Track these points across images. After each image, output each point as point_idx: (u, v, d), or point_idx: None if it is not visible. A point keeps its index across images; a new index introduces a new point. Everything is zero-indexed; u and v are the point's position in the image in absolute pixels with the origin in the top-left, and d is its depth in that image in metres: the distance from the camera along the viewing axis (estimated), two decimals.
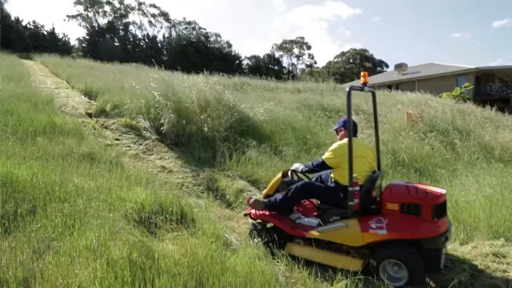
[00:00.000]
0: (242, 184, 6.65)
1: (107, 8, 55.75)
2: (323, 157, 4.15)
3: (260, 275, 3.03)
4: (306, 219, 4.39)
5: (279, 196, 4.35)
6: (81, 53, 45.20)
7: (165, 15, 58.18)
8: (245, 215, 4.76)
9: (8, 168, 4.35)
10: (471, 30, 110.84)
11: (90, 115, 11.05)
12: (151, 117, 9.72)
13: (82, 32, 70.92)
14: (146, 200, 4.17)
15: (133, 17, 56.59)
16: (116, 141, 8.56)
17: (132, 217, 3.82)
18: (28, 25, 45.57)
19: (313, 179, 4.55)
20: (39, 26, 46.76)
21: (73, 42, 52.21)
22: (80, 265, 2.78)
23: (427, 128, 10.83)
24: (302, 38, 66.91)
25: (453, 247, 4.55)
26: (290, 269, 3.64)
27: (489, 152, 9.78)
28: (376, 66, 64.07)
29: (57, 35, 47.33)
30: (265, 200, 4.47)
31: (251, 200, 4.57)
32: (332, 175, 4.20)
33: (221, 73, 21.98)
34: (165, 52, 53.88)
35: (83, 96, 13.73)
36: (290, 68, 65.96)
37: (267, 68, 57.39)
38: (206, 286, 2.75)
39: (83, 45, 50.89)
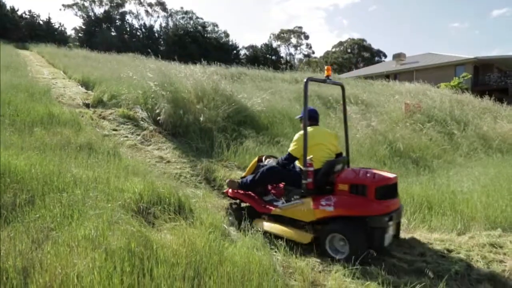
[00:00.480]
0: (239, 175, 6.63)
1: None
2: (289, 149, 4.48)
3: (258, 265, 3.05)
4: (272, 198, 4.86)
5: (249, 177, 4.83)
6: (77, 43, 44.83)
7: (161, 4, 57.65)
8: (223, 193, 5.35)
9: (6, 159, 4.34)
10: (470, 20, 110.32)
11: (87, 106, 11.01)
12: (148, 107, 9.69)
13: (78, 22, 70.45)
14: (144, 191, 4.17)
15: (130, 6, 56.10)
16: (114, 132, 8.55)
17: (130, 208, 3.83)
18: (24, 15, 45.09)
19: (255, 175, 4.82)
20: (35, 15, 46.25)
21: (70, 32, 51.95)
22: (78, 255, 2.79)
23: (425, 119, 10.85)
24: (300, 27, 66.49)
25: (450, 238, 4.59)
26: (288, 259, 3.67)
27: (488, 142, 9.82)
28: (374, 56, 63.81)
29: (53, 24, 46.87)
30: (238, 181, 4.97)
31: (227, 180, 5.18)
32: (297, 162, 4.55)
33: (218, 63, 21.88)
34: (162, 42, 53.44)
35: (80, 87, 13.66)
36: (288, 58, 65.68)
37: (264, 58, 57.11)
38: (204, 276, 2.77)
39: (80, 35, 50.44)
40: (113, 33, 50.21)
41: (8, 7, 43.23)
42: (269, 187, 5.04)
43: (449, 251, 4.21)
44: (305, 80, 4.41)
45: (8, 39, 34.62)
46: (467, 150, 9.08)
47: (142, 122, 9.39)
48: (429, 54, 36.03)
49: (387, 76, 31.16)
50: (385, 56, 63.61)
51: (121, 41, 46.48)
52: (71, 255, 2.79)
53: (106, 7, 54.30)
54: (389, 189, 4.02)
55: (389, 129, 9.51)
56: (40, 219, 3.34)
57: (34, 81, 12.29)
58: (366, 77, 30.41)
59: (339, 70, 51.89)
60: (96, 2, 54.73)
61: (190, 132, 8.47)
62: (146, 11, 57.36)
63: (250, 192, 4.87)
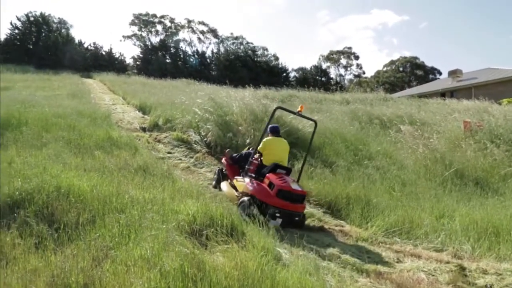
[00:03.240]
0: None
1: (159, 27, 58.47)
2: (259, 148, 6.34)
3: None
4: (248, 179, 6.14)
5: (235, 155, 6.97)
6: (135, 71, 47.53)
7: (213, 31, 59.87)
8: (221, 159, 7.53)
9: (71, 180, 4.62)
10: None
11: (144, 129, 11.54)
12: (200, 131, 9.97)
13: (136, 51, 74.68)
14: (197, 212, 4.23)
15: (183, 34, 58.52)
16: (168, 154, 8.85)
17: (184, 229, 3.89)
18: (89, 47, 48.81)
19: (238, 155, 7.00)
20: (99, 47, 49.94)
21: (128, 60, 55.05)
22: (135, 274, 2.87)
23: (487, 138, 10.17)
24: (350, 48, 65.84)
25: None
26: (342, 285, 3.53)
27: None
28: (428, 73, 61.52)
29: (114, 54, 50.23)
30: (231, 153, 7.22)
31: (226, 150, 7.54)
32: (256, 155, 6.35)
33: (268, 86, 22.20)
34: (213, 67, 55.24)
35: (137, 111, 14.38)
36: (338, 79, 65.08)
37: (314, 79, 57.01)
38: None
39: (137, 63, 53.45)
40: (168, 60, 52.71)
41: (76, 41, 47.10)
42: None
43: None
44: (274, 107, 6.55)
45: (75, 69, 37.53)
46: None
47: (195, 145, 9.66)
48: (488, 69, 34.13)
49: (442, 94, 29.85)
50: (440, 73, 61.15)
51: (175, 68, 48.63)
52: (128, 274, 2.87)
53: (162, 36, 57.41)
54: (290, 195, 5.46)
55: (447, 149, 9.02)
56: (100, 238, 3.49)
57: (96, 107, 13.13)
58: (420, 95, 29.31)
59: (391, 90, 50.52)
60: (153, 32, 58.13)
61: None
62: (199, 38, 59.77)
63: (232, 165, 6.80)
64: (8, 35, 43.49)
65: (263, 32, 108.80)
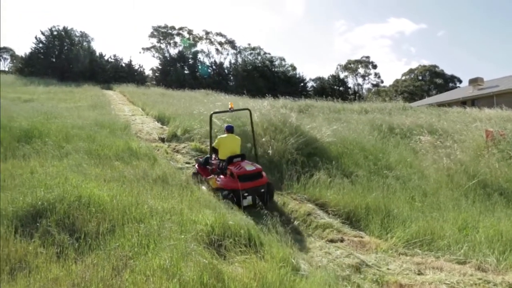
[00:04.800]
0: (310, 208, 6.52)
1: (177, 39, 59.47)
2: (213, 144, 7.42)
3: None
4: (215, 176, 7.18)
5: (202, 160, 7.85)
6: (154, 82, 48.30)
7: (231, 42, 60.48)
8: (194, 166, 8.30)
9: (92, 190, 4.69)
10: None
11: (162, 140, 11.66)
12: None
13: (155, 62, 76.05)
14: (215, 223, 4.24)
15: (201, 46, 59.30)
16: (187, 165, 8.91)
17: (202, 239, 3.90)
18: (109, 59, 49.87)
19: (203, 159, 7.88)
20: (119, 59, 50.89)
21: (148, 72, 55.98)
22: (154, 284, 2.88)
23: (511, 147, 9.90)
24: (367, 57, 65.44)
25: None
26: None
27: None
28: (447, 82, 60.57)
29: (133, 66, 51.10)
30: (200, 159, 8.02)
31: (196, 158, 8.68)
32: (214, 155, 7.51)
33: (286, 96, 22.22)
34: (231, 78, 55.68)
35: (156, 122, 14.57)
36: (356, 88, 64.67)
37: (332, 89, 56.77)
38: None
39: (156, 74, 54.26)
40: (186, 71, 53.39)
41: (97, 53, 48.24)
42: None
43: None
44: (210, 113, 7.89)
45: (96, 81, 38.42)
46: None
47: None
48: (511, 76, 33.38)
49: (463, 102, 29.28)
50: (460, 81, 60.14)
51: (193, 78, 49.20)
52: (147, 284, 2.89)
53: (180, 48, 58.28)
54: (248, 176, 6.59)
55: (469, 159, 8.81)
56: (120, 247, 3.52)
57: (116, 118, 13.36)
58: (440, 104, 28.85)
59: (410, 99, 49.86)
60: (171, 44, 59.13)
61: (260, 164, 8.54)
62: (217, 49, 60.45)
63: (202, 168, 7.74)
64: (33, 49, 44.92)
65: (281, 43, 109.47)
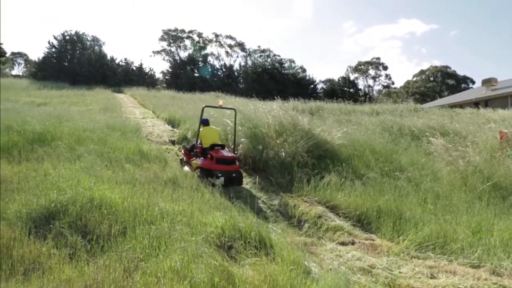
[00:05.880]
0: (320, 210, 6.48)
1: (187, 42, 59.90)
2: (198, 137, 8.85)
3: None
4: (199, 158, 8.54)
5: (188, 147, 9.30)
6: (165, 85, 48.64)
7: (240, 45, 60.70)
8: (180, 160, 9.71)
9: (103, 192, 4.73)
10: None
11: (173, 142, 11.74)
12: (229, 143, 10.04)
13: (165, 66, 76.58)
14: (226, 225, 4.24)
15: (211, 48, 59.78)
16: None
17: (213, 241, 3.91)
18: (120, 62, 50.41)
19: (190, 146, 9.35)
20: (130, 62, 51.47)
21: (158, 75, 56.48)
22: (165, 286, 2.89)
23: None
24: (378, 58, 65.08)
25: None
26: None
27: None
28: (460, 82, 59.88)
29: (144, 69, 51.59)
30: (186, 146, 9.54)
31: (182, 145, 10.62)
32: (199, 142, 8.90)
33: (296, 98, 22.19)
34: (241, 80, 55.81)
35: (166, 125, 14.67)
36: (366, 90, 64.31)
37: (342, 91, 56.55)
38: None
39: (167, 77, 54.66)
40: (196, 74, 53.67)
41: (108, 57, 48.82)
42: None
43: None
44: (202, 106, 9.39)
45: (107, 84, 38.86)
46: None
47: None
48: None
49: (476, 103, 28.90)
50: (473, 82, 59.42)
51: (203, 81, 49.43)
52: (158, 286, 2.90)
53: (190, 51, 58.65)
54: (225, 161, 7.98)
55: (483, 161, 8.67)
56: (131, 249, 3.54)
57: (127, 121, 13.48)
58: (452, 105, 28.52)
59: (421, 100, 49.40)
60: (181, 47, 59.55)
61: (270, 167, 8.53)
62: (226, 52, 60.72)
63: (187, 153, 9.12)
64: (46, 53, 45.64)
65: (290, 45, 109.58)
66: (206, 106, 9.43)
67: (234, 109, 9.65)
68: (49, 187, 4.94)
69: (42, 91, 27.40)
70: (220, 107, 9.43)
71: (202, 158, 8.27)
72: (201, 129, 8.84)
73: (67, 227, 3.91)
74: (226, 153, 8.27)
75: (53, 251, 3.54)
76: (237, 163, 8.24)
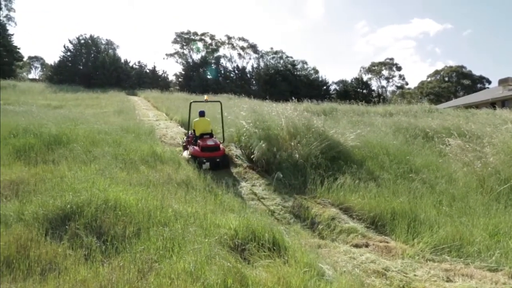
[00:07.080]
0: (333, 212, 6.43)
1: (200, 44, 60.23)
2: (192, 127, 10.19)
3: None
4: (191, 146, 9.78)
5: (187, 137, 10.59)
6: (178, 87, 49.01)
7: (253, 47, 60.75)
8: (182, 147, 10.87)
9: (118, 194, 4.78)
10: None
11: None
12: (242, 145, 10.04)
13: (178, 68, 77.18)
14: (239, 227, 4.25)
15: (224, 51, 59.83)
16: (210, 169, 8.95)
17: (226, 243, 3.91)
18: (134, 65, 50.96)
19: (187, 136, 10.61)
20: (143, 65, 52.03)
21: (171, 77, 56.97)
22: (178, 287, 2.90)
23: None
24: (391, 59, 64.46)
25: None
26: None
27: None
28: (475, 82, 58.87)
29: (157, 72, 52.09)
30: (189, 135, 10.46)
31: (185, 133, 11.69)
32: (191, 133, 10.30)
33: (309, 100, 22.13)
34: (254, 82, 55.87)
35: (180, 127, 14.77)
36: (380, 91, 63.71)
37: (355, 92, 56.15)
38: None
39: (180, 79, 55.05)
40: (209, 76, 53.92)
41: (122, 60, 49.43)
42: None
43: None
44: (190, 102, 11.18)
45: (121, 87, 39.34)
46: None
47: (236, 159, 9.75)
48: None
49: (492, 103, 28.39)
50: (489, 82, 58.43)
51: (216, 83, 49.64)
52: (172, 287, 2.91)
53: (203, 53, 58.97)
54: (209, 148, 9.14)
55: (500, 162, 8.49)
56: (145, 250, 3.57)
57: (140, 123, 13.61)
58: (468, 106, 28.07)
59: (436, 100, 48.74)
60: (194, 49, 59.90)
61: (283, 168, 8.49)
62: (239, 54, 60.86)
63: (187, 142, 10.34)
64: (61, 57, 46.42)
65: (302, 46, 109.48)
66: (193, 102, 11.23)
67: (220, 102, 11.64)
68: (65, 188, 5.01)
69: (58, 94, 27.87)
70: (206, 101, 11.23)
71: (192, 146, 9.56)
72: (195, 120, 10.09)
73: (82, 228, 3.96)
74: (210, 141, 9.40)
75: (68, 251, 3.60)
76: (221, 148, 9.44)
